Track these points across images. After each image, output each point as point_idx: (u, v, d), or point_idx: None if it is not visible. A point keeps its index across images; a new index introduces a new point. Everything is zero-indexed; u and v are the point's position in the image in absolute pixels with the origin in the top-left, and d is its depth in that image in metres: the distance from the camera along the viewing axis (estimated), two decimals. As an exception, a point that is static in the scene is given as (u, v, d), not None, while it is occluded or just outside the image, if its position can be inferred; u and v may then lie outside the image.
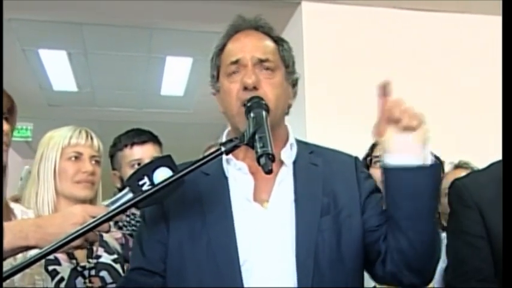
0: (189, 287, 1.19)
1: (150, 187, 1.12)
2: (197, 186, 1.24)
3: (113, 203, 1.19)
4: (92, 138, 1.84)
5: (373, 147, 2.09)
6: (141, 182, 1.14)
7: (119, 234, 1.94)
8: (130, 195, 1.14)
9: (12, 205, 1.53)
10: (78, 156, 1.79)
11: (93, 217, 1.14)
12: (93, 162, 1.82)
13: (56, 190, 1.77)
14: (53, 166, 1.77)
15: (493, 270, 1.30)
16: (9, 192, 1.66)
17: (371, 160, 2.05)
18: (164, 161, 1.16)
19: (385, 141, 1.19)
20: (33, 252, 1.03)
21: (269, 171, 1.04)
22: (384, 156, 1.20)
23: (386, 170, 1.19)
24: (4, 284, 0.95)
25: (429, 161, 1.16)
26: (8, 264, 1.19)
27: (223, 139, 1.33)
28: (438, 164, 1.17)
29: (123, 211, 1.10)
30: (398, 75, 3.65)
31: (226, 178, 1.27)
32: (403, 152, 1.16)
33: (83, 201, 1.74)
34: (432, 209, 1.19)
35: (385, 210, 1.24)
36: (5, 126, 1.40)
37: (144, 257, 1.26)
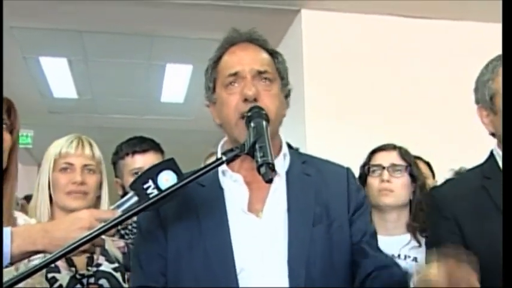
0: None
1: (154, 190, 1.14)
2: (193, 197, 1.25)
3: (118, 206, 1.20)
4: (83, 146, 1.80)
5: (371, 156, 2.09)
6: (145, 186, 1.15)
7: (121, 243, 1.93)
8: (135, 198, 1.16)
9: (16, 214, 1.53)
10: (68, 167, 1.77)
11: (100, 221, 1.16)
12: (86, 171, 1.78)
13: (51, 201, 1.77)
14: (47, 178, 1.77)
15: None
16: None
17: (369, 169, 2.05)
18: (168, 164, 1.18)
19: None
20: (36, 262, 1.04)
21: (269, 180, 1.06)
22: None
23: None
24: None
25: None
26: (9, 273, 1.19)
27: (219, 150, 1.34)
28: None
29: (131, 216, 1.11)
30: (397, 81, 3.69)
31: (222, 189, 1.28)
32: None
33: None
34: None
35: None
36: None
37: (144, 273, 1.26)
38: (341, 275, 1.23)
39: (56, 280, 1.64)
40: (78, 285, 1.68)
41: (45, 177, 1.77)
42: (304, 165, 1.33)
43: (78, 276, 1.69)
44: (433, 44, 3.76)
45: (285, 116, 1.35)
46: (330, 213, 1.25)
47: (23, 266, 1.28)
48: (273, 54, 1.35)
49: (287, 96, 1.36)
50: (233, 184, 1.28)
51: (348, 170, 1.37)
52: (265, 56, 1.32)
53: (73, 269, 1.69)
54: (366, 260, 1.23)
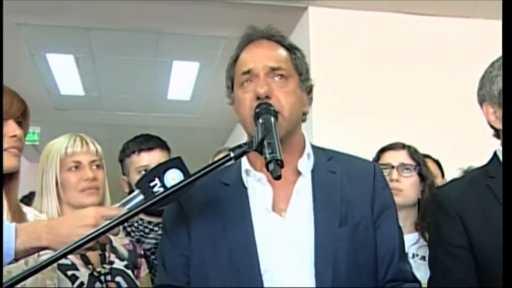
0: None
1: (160, 189, 1.14)
2: (217, 196, 1.26)
3: (124, 204, 1.20)
4: (87, 143, 1.84)
5: (380, 154, 2.08)
6: (152, 184, 1.16)
7: (126, 240, 1.94)
8: (141, 196, 1.17)
9: (25, 209, 1.53)
10: (77, 166, 1.80)
11: (105, 218, 1.16)
12: (94, 167, 1.82)
13: (60, 201, 1.79)
14: (54, 178, 1.78)
15: (476, 280, 1.27)
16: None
17: (378, 167, 2.03)
18: (175, 162, 1.18)
19: None
20: (45, 257, 1.04)
21: (278, 177, 1.05)
22: None
23: None
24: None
25: None
26: (19, 268, 1.19)
27: None
28: None
29: (136, 214, 1.11)
30: (405, 79, 3.67)
31: (245, 189, 1.28)
32: None
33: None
34: None
35: None
36: (18, 131, 1.40)
37: (167, 272, 1.28)
38: (367, 276, 1.23)
39: (77, 278, 1.67)
40: (98, 283, 1.70)
41: (52, 178, 1.79)
42: (329, 163, 1.33)
43: (95, 273, 1.71)
44: (441, 42, 3.74)
45: (306, 113, 1.34)
46: (355, 214, 1.25)
47: (32, 261, 1.28)
48: (291, 49, 1.33)
49: (309, 92, 1.35)
50: (257, 183, 1.28)
51: (375, 166, 1.37)
52: (280, 52, 1.31)
53: (90, 266, 1.71)
54: (388, 268, 1.23)
